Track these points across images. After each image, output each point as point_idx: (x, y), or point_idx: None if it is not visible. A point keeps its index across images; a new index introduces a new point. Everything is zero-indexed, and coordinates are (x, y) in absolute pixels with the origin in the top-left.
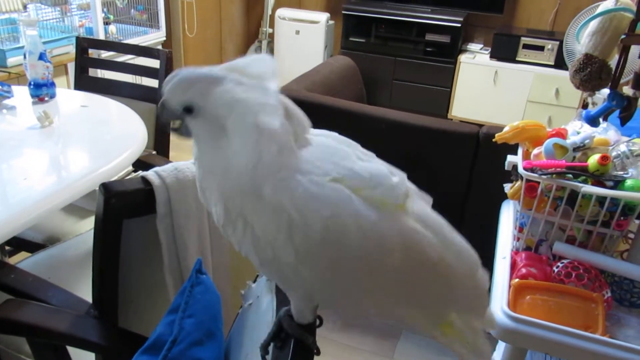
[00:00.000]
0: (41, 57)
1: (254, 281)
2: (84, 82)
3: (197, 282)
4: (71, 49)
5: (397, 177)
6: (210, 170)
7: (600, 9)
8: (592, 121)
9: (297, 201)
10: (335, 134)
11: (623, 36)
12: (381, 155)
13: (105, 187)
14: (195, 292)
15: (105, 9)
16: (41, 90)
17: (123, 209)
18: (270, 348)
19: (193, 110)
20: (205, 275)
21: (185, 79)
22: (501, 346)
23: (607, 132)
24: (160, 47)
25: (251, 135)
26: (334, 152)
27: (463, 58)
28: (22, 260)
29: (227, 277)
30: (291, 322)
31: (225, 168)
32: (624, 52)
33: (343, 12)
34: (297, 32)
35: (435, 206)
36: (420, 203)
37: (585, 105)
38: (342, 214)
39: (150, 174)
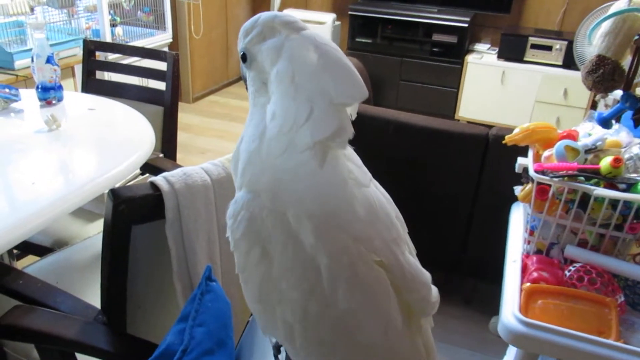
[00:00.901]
0: (49, 60)
1: None
2: (91, 85)
3: (207, 290)
4: (78, 52)
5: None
6: (249, 132)
7: (613, 10)
8: (605, 123)
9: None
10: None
11: (636, 37)
12: (389, 157)
13: (114, 193)
14: (205, 300)
15: (111, 11)
16: (49, 94)
17: (132, 215)
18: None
19: (246, 59)
20: (215, 282)
21: (250, 23)
22: (512, 351)
23: (619, 133)
24: (166, 48)
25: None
26: (383, 214)
27: (470, 58)
28: (30, 264)
29: (237, 284)
30: None
31: (257, 132)
32: (637, 52)
33: (349, 12)
34: None
35: (444, 209)
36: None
37: (594, 106)
38: (373, 308)
39: (159, 179)
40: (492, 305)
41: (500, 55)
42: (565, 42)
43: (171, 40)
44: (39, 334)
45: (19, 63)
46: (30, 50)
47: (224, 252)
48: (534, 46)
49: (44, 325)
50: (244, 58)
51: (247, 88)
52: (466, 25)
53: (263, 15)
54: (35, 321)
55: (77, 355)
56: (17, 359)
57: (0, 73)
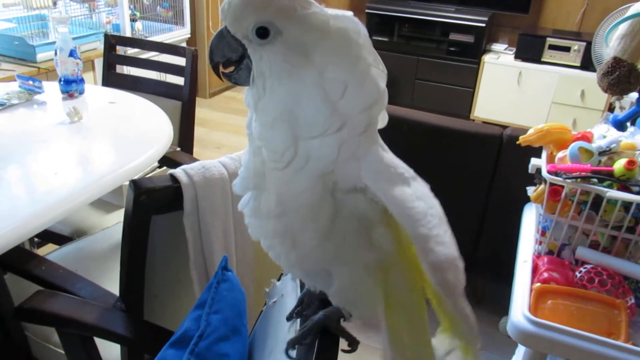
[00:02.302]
0: (71, 53)
1: (279, 279)
2: (111, 79)
3: (223, 279)
4: (98, 45)
5: None
6: (280, 110)
7: (630, 12)
8: (620, 125)
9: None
10: None
11: None
12: (403, 156)
13: (136, 183)
14: (221, 288)
15: (132, 6)
16: (71, 87)
17: (152, 205)
18: (295, 328)
19: (269, 33)
20: (231, 272)
21: None
22: (520, 351)
23: (634, 136)
24: (184, 44)
25: (356, 73)
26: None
27: (487, 58)
28: (50, 252)
29: (251, 274)
30: (336, 323)
31: (297, 107)
32: None
33: (366, 10)
34: None
35: (458, 206)
36: None
37: (611, 108)
38: None
39: (178, 172)
40: (503, 305)
41: (518, 56)
42: (584, 44)
43: (189, 35)
44: (60, 318)
45: (41, 56)
46: (52, 43)
47: (239, 244)
48: (551, 47)
49: (65, 310)
50: (263, 32)
51: (233, 66)
52: (484, 24)
53: None
54: (57, 305)
55: (96, 340)
56: (38, 342)
57: (23, 65)
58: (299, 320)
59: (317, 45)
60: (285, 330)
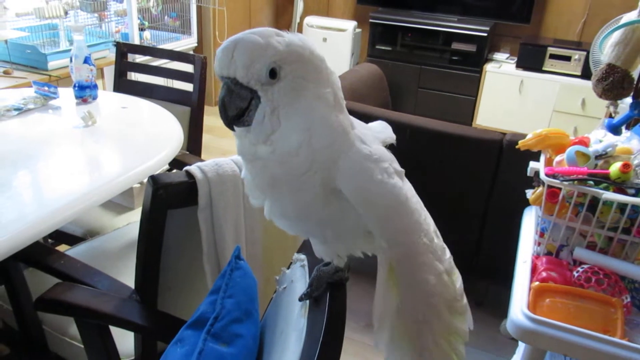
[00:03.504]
0: (86, 60)
1: (288, 267)
2: (122, 85)
3: (236, 267)
4: (107, 54)
5: None
6: (302, 130)
7: (623, 21)
8: (614, 129)
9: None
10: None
11: None
12: (405, 161)
13: (154, 179)
14: (234, 275)
15: (140, 16)
16: (85, 92)
17: (169, 199)
18: (306, 307)
19: (277, 73)
20: (243, 261)
21: (256, 42)
22: (520, 350)
23: (630, 141)
24: (191, 52)
25: (332, 79)
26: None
27: (489, 67)
28: (63, 252)
29: (260, 268)
30: (327, 269)
31: (314, 120)
32: None
33: (370, 20)
34: (325, 40)
35: (459, 209)
36: None
37: (611, 116)
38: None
39: (193, 168)
40: (503, 307)
41: (519, 65)
42: (584, 53)
43: (196, 44)
44: (79, 308)
45: (52, 64)
46: (63, 52)
47: (249, 238)
48: (552, 56)
49: (85, 300)
50: (272, 72)
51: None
52: (486, 34)
53: (254, 33)
54: (76, 296)
55: (112, 331)
56: (55, 336)
57: (35, 73)
58: (308, 302)
59: (307, 70)
60: (296, 312)
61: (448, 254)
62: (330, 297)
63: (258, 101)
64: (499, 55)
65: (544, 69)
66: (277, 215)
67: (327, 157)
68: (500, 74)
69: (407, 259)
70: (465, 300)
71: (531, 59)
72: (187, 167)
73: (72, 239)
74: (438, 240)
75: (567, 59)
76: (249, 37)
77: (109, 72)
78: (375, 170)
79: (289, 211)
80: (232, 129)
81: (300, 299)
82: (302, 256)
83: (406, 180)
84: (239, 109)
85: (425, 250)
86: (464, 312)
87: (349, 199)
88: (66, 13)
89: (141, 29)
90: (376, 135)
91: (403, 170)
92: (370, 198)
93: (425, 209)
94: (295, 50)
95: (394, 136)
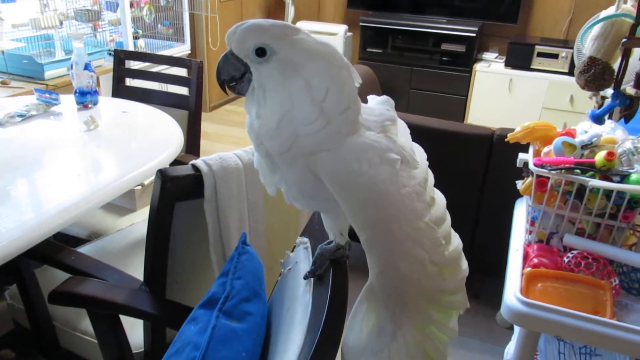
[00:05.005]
0: (86, 67)
1: (292, 251)
2: (121, 91)
3: (243, 252)
4: (103, 62)
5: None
6: (280, 114)
7: (602, 15)
8: (598, 119)
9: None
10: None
11: (624, 40)
12: None
13: (162, 172)
14: (242, 259)
15: (134, 25)
16: (85, 98)
17: (176, 192)
18: (311, 284)
19: (265, 53)
20: (249, 246)
21: (259, 24)
22: (515, 335)
23: (614, 131)
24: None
25: (335, 82)
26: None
27: (478, 67)
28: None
29: (263, 258)
30: (329, 247)
31: (293, 110)
32: (626, 54)
33: (361, 23)
34: None
35: (453, 204)
36: None
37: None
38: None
39: (198, 162)
40: (499, 299)
41: (508, 64)
42: (571, 50)
43: (189, 51)
44: (92, 299)
45: (48, 73)
46: (59, 61)
47: (252, 228)
48: (540, 54)
49: (97, 292)
50: (261, 52)
51: (235, 82)
52: (474, 34)
53: (270, 21)
54: (88, 288)
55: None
56: (66, 331)
57: (32, 83)
58: (313, 279)
59: (304, 62)
60: (301, 289)
61: (452, 247)
62: (332, 272)
63: (250, 75)
64: (488, 55)
65: (532, 67)
66: (291, 197)
67: (310, 144)
68: (490, 73)
69: (377, 244)
70: (456, 297)
71: (519, 58)
72: (192, 161)
73: (76, 241)
74: (431, 230)
75: (555, 56)
76: (258, 20)
77: (105, 80)
78: (353, 161)
79: (294, 190)
80: (224, 91)
81: (305, 277)
82: (305, 239)
83: (419, 168)
84: (230, 76)
85: (406, 238)
86: (451, 308)
87: (327, 185)
88: (61, 23)
89: (135, 38)
90: (375, 119)
91: (399, 158)
92: (346, 187)
93: (435, 195)
94: (291, 40)
95: (393, 115)
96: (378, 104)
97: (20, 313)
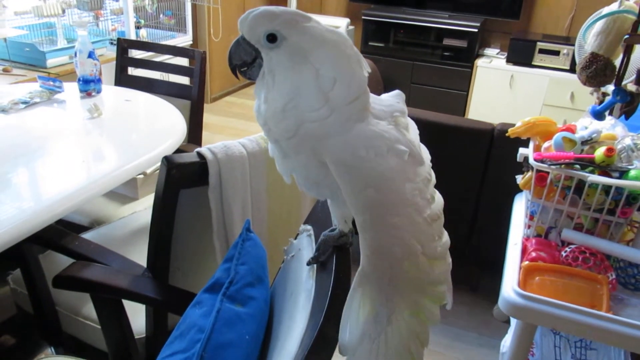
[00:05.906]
0: (90, 55)
1: (295, 238)
2: (124, 80)
3: (247, 238)
4: (105, 52)
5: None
6: (286, 99)
7: (605, 11)
8: (598, 115)
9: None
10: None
11: (626, 36)
12: None
13: (168, 159)
14: (246, 245)
15: (136, 14)
16: (89, 86)
17: (181, 179)
18: (314, 270)
19: (276, 39)
20: (253, 233)
21: (271, 11)
22: (512, 328)
23: (614, 128)
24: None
25: (343, 71)
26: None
27: (480, 62)
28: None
29: (265, 246)
30: (332, 234)
31: (298, 97)
32: (627, 51)
33: (363, 17)
34: None
35: (453, 198)
36: None
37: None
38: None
39: (203, 149)
40: (496, 292)
41: (509, 60)
42: (573, 47)
43: (191, 42)
44: (96, 284)
45: (50, 61)
46: (60, 49)
47: (255, 216)
48: (542, 51)
49: (100, 277)
50: (272, 38)
51: (247, 67)
52: (476, 30)
53: (282, 8)
54: (92, 273)
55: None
56: (68, 316)
57: (34, 71)
58: (316, 266)
59: (313, 49)
60: (304, 275)
61: (442, 242)
62: (336, 259)
63: (261, 61)
64: (490, 51)
65: (533, 63)
66: (301, 184)
67: (316, 130)
68: (491, 69)
69: (374, 227)
70: (441, 288)
71: (521, 54)
72: (197, 149)
73: (79, 228)
74: (427, 225)
75: (556, 53)
76: (270, 7)
77: (106, 69)
78: (360, 147)
79: (301, 177)
80: (236, 76)
81: (308, 263)
82: (309, 227)
83: (424, 163)
84: (241, 61)
85: (403, 226)
86: (436, 298)
87: (331, 169)
88: (63, 11)
89: (137, 27)
90: (384, 108)
91: (407, 150)
92: (349, 170)
93: (435, 195)
94: (302, 27)
95: (403, 107)
96: (389, 96)
97: (24, 298)
